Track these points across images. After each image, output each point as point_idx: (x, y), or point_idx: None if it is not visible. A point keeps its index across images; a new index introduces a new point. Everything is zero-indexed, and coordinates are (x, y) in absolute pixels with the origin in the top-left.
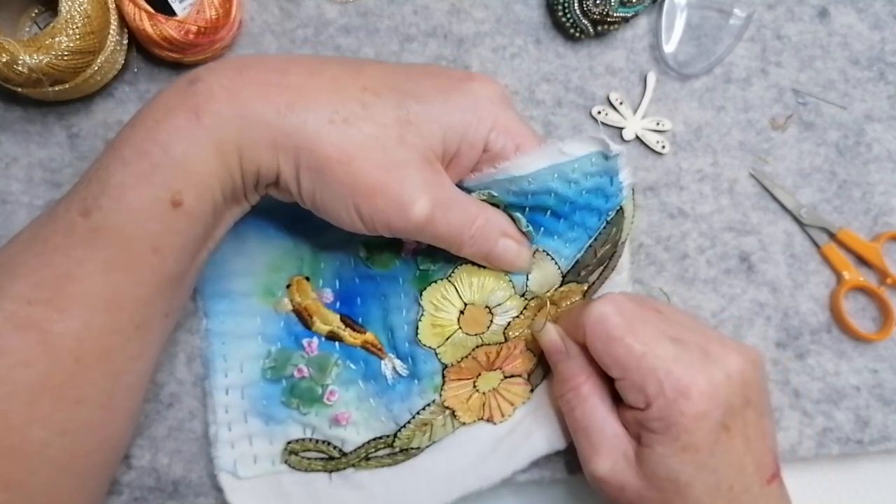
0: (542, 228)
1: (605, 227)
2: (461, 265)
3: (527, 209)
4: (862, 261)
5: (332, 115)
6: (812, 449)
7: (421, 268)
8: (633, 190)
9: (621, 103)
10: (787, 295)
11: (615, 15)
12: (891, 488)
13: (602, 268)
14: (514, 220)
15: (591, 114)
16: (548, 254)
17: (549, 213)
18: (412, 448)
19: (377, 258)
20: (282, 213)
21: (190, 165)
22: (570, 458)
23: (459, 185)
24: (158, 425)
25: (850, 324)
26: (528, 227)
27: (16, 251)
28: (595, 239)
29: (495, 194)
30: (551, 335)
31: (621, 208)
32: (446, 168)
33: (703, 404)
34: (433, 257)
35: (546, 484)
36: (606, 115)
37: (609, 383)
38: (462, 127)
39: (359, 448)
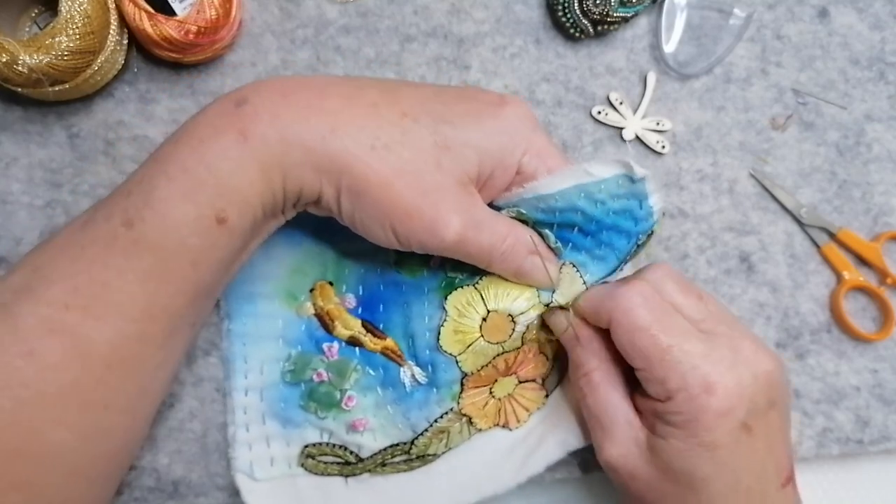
0: (570, 244)
1: (634, 251)
2: (488, 274)
3: (555, 226)
4: (862, 261)
5: (374, 142)
6: (812, 449)
7: (449, 275)
8: (663, 213)
9: (621, 103)
10: (787, 295)
11: (615, 15)
12: (891, 488)
13: None
14: (542, 236)
15: (591, 114)
16: (575, 268)
17: (576, 229)
18: (429, 454)
19: (406, 263)
20: (308, 218)
21: (235, 184)
22: (581, 459)
23: (489, 204)
24: (158, 425)
25: (850, 324)
26: (556, 243)
27: (50, 256)
28: (625, 262)
29: (524, 212)
30: (562, 323)
31: (652, 231)
32: (480, 190)
33: (727, 402)
34: (461, 267)
35: (552, 483)
36: (606, 115)
37: (624, 368)
38: (498, 152)
39: (375, 454)
